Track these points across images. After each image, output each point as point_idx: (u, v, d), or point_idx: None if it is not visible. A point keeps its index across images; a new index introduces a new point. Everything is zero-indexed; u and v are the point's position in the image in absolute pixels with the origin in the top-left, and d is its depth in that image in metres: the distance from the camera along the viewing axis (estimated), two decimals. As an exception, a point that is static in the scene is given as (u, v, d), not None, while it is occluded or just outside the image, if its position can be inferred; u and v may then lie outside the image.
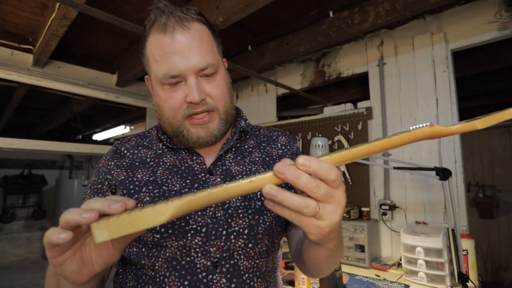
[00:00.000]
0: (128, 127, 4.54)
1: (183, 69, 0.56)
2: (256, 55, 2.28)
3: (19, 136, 2.08)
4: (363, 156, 0.36)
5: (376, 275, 1.57)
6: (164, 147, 0.67)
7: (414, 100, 1.87)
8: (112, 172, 0.64)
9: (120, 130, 4.77)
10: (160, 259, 0.57)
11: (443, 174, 1.32)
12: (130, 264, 0.60)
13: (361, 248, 1.73)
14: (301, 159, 0.34)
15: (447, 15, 1.79)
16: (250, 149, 0.70)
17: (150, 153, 0.66)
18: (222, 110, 0.62)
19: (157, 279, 0.57)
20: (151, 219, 0.34)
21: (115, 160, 0.66)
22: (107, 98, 2.53)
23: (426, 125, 0.34)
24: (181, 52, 0.56)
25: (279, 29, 2.13)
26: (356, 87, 2.67)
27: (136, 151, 0.67)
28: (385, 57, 2.02)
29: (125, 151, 0.68)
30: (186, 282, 0.56)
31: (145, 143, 0.69)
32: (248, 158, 0.68)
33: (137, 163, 0.65)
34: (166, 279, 0.56)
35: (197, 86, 0.57)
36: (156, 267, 0.57)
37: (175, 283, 0.56)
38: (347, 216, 1.85)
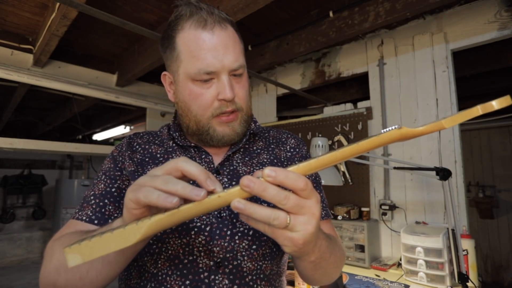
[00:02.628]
0: (128, 127, 4.54)
1: (219, 67, 0.57)
2: (256, 55, 2.28)
3: (19, 136, 2.08)
4: (331, 164, 0.36)
5: (376, 275, 1.57)
6: (174, 144, 0.68)
7: (414, 100, 1.87)
8: (125, 162, 0.65)
9: (120, 130, 4.76)
10: (162, 257, 0.56)
11: (443, 174, 1.32)
12: (133, 261, 0.59)
13: (361, 248, 1.73)
14: (267, 170, 0.34)
15: (447, 15, 1.79)
16: (259, 150, 0.70)
17: (160, 149, 0.67)
18: (245, 110, 0.64)
19: (159, 277, 0.56)
20: (122, 241, 0.34)
21: (129, 152, 0.67)
22: (107, 98, 2.53)
23: (395, 128, 0.34)
24: (218, 50, 0.57)
25: (279, 29, 2.13)
26: (356, 87, 2.67)
27: (147, 147, 0.68)
28: (385, 57, 2.02)
29: (137, 146, 0.68)
30: (187, 282, 0.55)
31: (156, 141, 0.70)
32: (256, 159, 0.67)
33: (147, 159, 0.66)
34: (168, 278, 0.56)
35: (230, 84, 0.58)
36: (159, 265, 0.56)
37: (177, 282, 0.55)
38: (347, 216, 1.85)
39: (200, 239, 0.56)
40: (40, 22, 1.94)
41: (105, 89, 2.52)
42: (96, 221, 0.57)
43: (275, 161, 0.69)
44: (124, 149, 0.67)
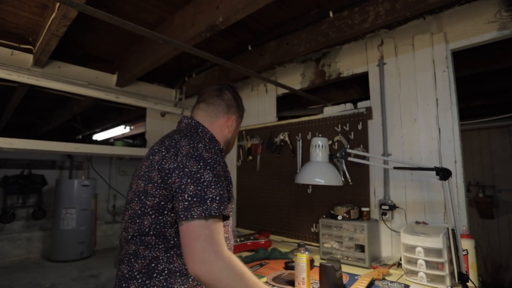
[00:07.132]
0: (128, 127, 4.54)
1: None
2: (256, 55, 2.28)
3: (19, 136, 2.08)
4: None
5: (376, 275, 1.57)
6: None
7: (414, 100, 1.87)
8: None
9: (120, 130, 4.77)
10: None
11: (443, 174, 1.32)
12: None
13: (361, 248, 1.73)
14: None
15: (447, 15, 1.79)
16: None
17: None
18: None
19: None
20: None
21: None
22: (107, 98, 2.53)
23: None
24: None
25: (279, 29, 2.13)
26: (356, 87, 2.67)
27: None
28: (385, 57, 2.02)
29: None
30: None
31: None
32: None
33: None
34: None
35: None
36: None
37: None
38: (347, 216, 1.85)
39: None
40: (40, 22, 1.95)
41: (105, 89, 2.52)
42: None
43: None
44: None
